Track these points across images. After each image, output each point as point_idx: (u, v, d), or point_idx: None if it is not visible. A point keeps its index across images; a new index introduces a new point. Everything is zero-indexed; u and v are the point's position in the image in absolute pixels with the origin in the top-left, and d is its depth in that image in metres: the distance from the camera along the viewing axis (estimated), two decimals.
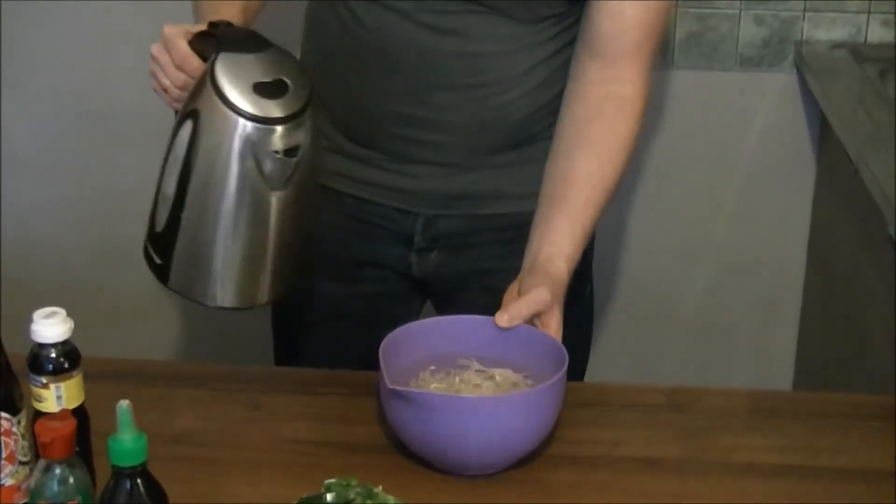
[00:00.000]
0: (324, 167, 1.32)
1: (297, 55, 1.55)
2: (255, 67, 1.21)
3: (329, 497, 1.12)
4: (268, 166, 1.19)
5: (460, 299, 1.52)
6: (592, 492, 1.21)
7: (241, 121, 1.18)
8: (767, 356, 2.43)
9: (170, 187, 1.22)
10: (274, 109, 1.19)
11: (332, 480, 1.14)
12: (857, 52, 2.18)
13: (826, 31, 2.22)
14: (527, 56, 1.41)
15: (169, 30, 1.26)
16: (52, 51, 2.31)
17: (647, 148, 2.26)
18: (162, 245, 1.24)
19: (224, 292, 1.25)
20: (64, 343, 1.09)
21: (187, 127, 1.20)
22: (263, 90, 1.19)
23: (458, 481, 1.21)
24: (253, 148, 1.18)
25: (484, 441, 1.18)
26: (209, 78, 1.19)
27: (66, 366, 1.09)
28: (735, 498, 1.20)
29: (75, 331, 1.10)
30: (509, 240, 1.48)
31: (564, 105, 1.42)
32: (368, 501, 1.12)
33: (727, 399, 1.39)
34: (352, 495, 1.12)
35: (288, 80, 1.21)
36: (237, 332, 2.16)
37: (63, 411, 1.06)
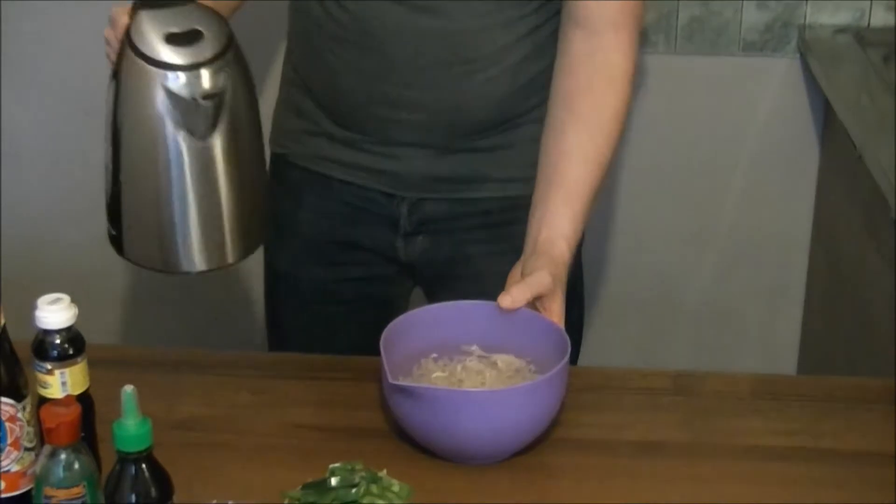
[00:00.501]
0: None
1: (283, 46, 1.56)
2: (170, 20, 1.19)
3: (334, 481, 1.12)
4: (185, 113, 1.17)
5: (447, 284, 1.52)
6: (596, 476, 1.21)
7: (154, 70, 1.17)
8: (772, 342, 2.43)
9: (108, 154, 1.21)
10: (186, 56, 1.18)
11: (337, 465, 1.14)
12: (861, 36, 2.17)
13: (829, 15, 2.20)
14: (506, 32, 1.40)
15: (114, 10, 1.27)
16: (53, 49, 2.31)
17: (650, 134, 2.26)
18: (113, 215, 1.23)
19: (180, 256, 1.22)
20: (68, 329, 1.09)
21: (111, 89, 1.20)
22: (177, 40, 1.18)
23: (462, 465, 1.21)
24: (168, 95, 1.17)
25: (486, 433, 1.18)
26: (124, 34, 1.19)
27: (71, 352, 1.09)
28: (739, 481, 1.21)
29: (79, 321, 1.10)
30: (494, 224, 1.48)
31: (553, 81, 1.41)
32: (373, 486, 1.12)
33: (731, 383, 1.38)
34: (356, 479, 1.12)
35: (203, 30, 1.19)
36: (239, 318, 2.16)
37: (68, 397, 1.06)
